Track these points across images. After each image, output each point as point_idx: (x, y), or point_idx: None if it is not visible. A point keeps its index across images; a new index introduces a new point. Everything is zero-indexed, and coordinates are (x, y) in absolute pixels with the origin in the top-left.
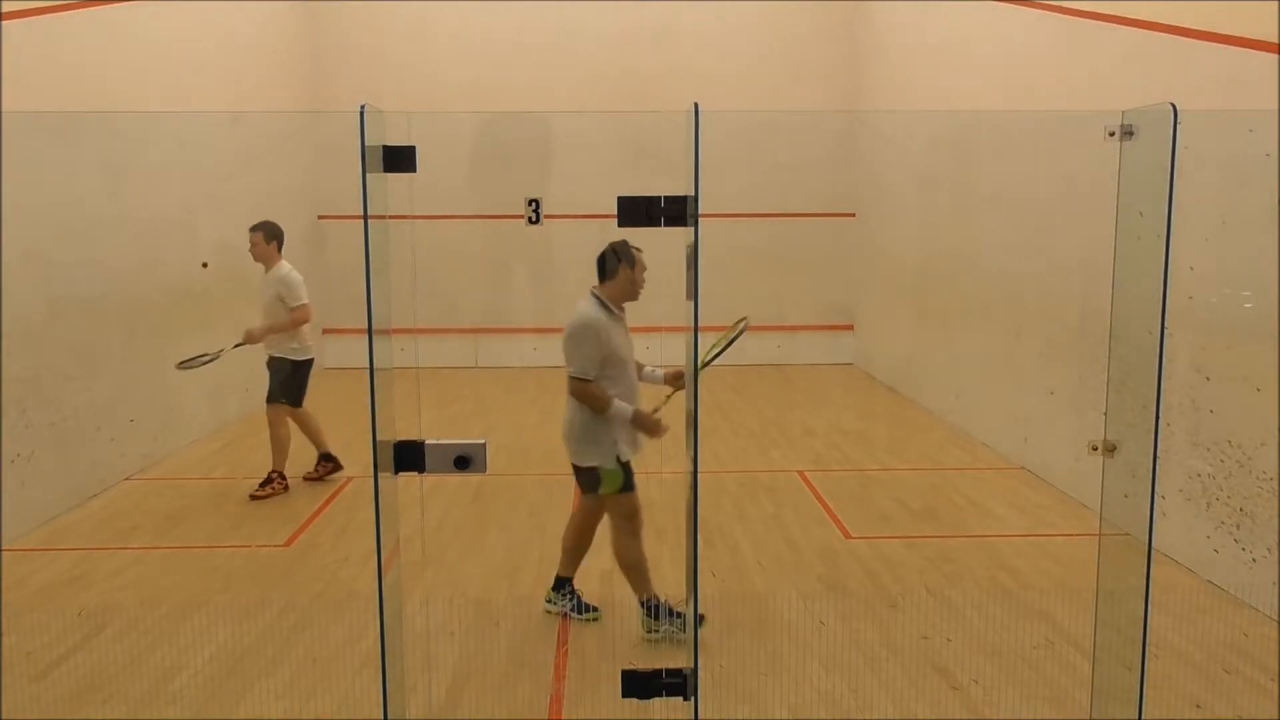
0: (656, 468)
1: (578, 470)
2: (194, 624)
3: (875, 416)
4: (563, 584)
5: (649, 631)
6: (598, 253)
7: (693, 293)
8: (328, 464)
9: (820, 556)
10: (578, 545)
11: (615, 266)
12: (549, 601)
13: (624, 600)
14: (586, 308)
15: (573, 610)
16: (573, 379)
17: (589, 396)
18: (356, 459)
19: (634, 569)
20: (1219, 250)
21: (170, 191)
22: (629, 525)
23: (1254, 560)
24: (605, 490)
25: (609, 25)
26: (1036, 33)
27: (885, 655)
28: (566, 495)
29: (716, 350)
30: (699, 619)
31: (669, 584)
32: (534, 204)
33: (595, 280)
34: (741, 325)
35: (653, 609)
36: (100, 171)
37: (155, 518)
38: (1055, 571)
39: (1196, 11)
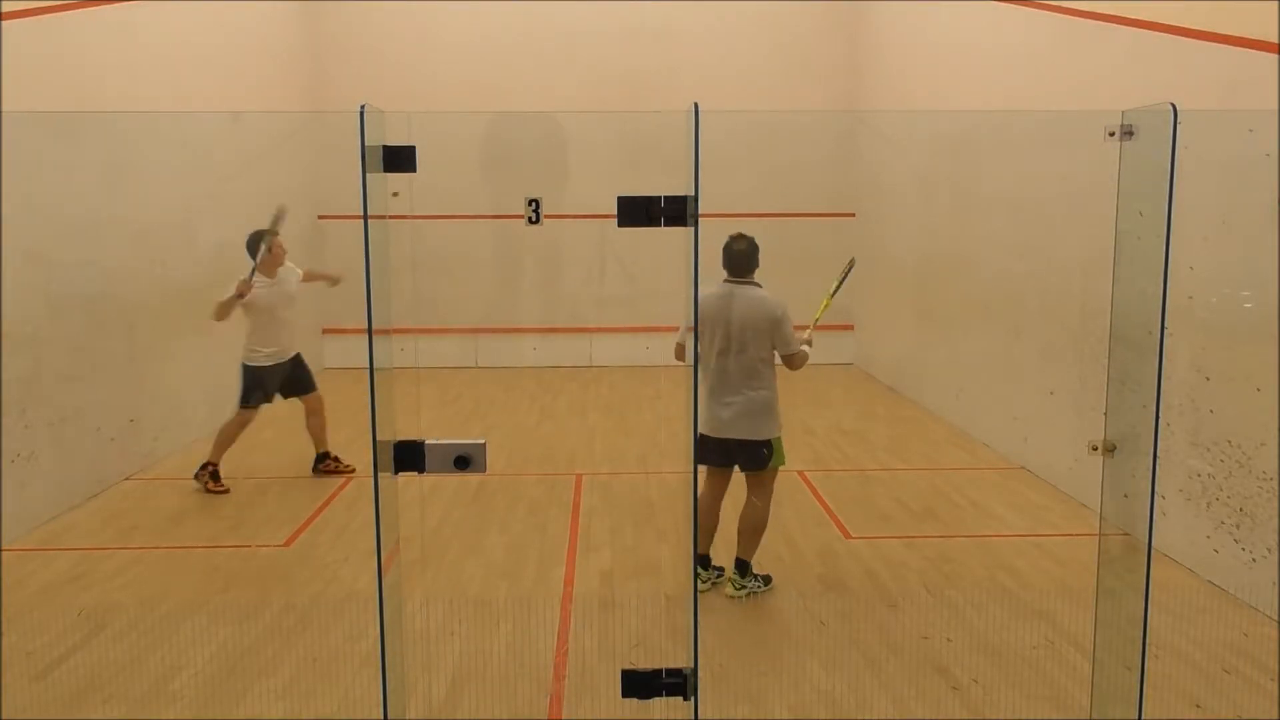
0: (657, 468)
1: (751, 446)
2: (194, 624)
3: (875, 416)
4: (745, 567)
5: (738, 589)
6: (737, 248)
7: (693, 292)
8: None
9: (820, 556)
10: (710, 522)
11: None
12: (739, 588)
13: (624, 600)
14: (768, 292)
15: (761, 585)
16: (797, 353)
17: (804, 360)
18: (356, 459)
19: (761, 533)
20: (1219, 250)
21: (170, 191)
22: (771, 493)
23: (1254, 560)
24: (776, 461)
25: (609, 25)
26: (1036, 33)
27: (885, 655)
28: (566, 495)
29: (833, 289)
30: (768, 579)
31: (669, 583)
32: (534, 204)
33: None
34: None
35: (746, 569)
36: (100, 171)
37: (155, 518)
38: (1055, 571)
39: (1196, 11)
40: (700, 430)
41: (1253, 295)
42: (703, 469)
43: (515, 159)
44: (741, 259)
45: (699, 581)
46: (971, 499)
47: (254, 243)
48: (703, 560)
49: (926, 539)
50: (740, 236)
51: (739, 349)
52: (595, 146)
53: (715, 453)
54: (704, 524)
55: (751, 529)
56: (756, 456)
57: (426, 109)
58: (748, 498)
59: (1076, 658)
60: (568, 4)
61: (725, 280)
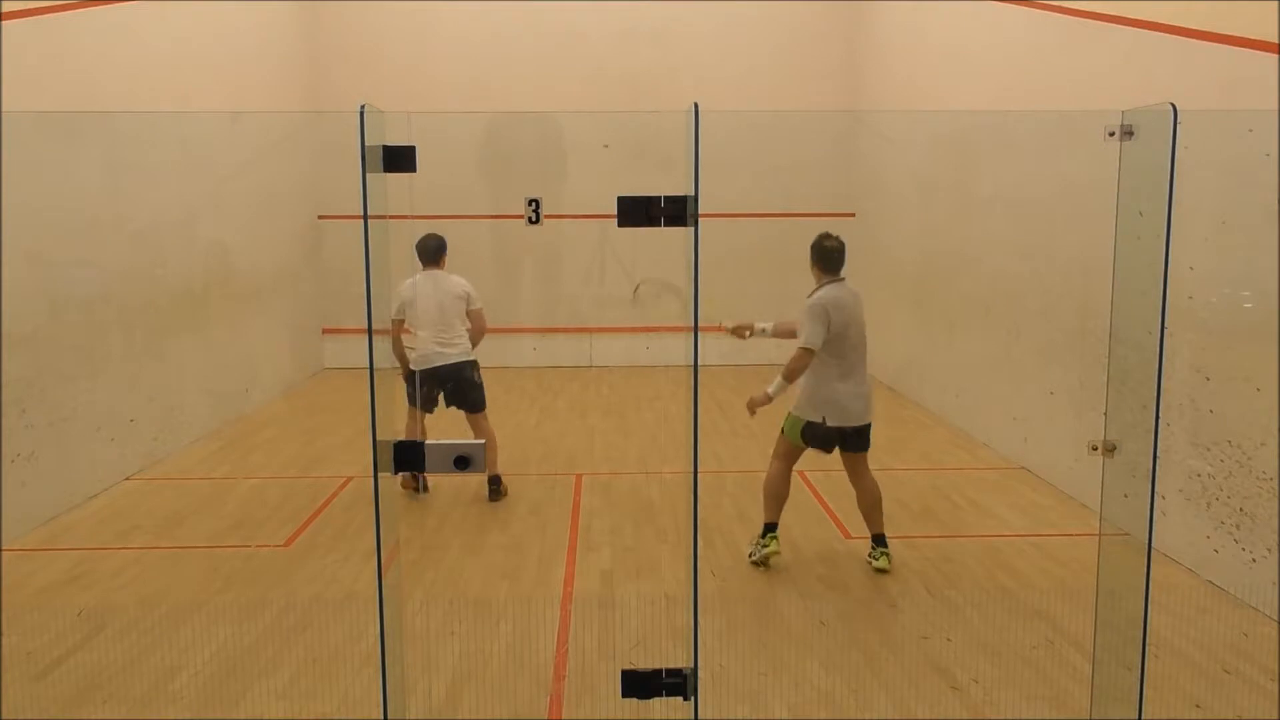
0: (657, 468)
1: (866, 430)
2: (194, 624)
3: (875, 416)
4: (884, 539)
5: (889, 559)
6: (833, 245)
7: (693, 291)
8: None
9: (820, 556)
10: (786, 491)
11: None
12: (764, 548)
13: (624, 600)
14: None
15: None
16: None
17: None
18: (356, 459)
19: (881, 501)
20: (1219, 250)
21: (170, 191)
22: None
23: (1254, 560)
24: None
25: (609, 25)
26: (1036, 33)
27: (885, 655)
28: (567, 495)
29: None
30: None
31: (668, 583)
32: (534, 204)
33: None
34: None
35: (884, 540)
36: (100, 171)
37: (155, 518)
38: (1055, 571)
39: (1196, 11)
40: (826, 418)
41: (1253, 295)
42: (789, 446)
43: (515, 159)
44: (841, 255)
45: (764, 545)
46: (971, 499)
47: (427, 250)
48: (774, 526)
49: (926, 539)
50: (831, 234)
51: (859, 341)
52: (595, 146)
53: (823, 437)
54: (782, 494)
55: (874, 503)
56: (866, 438)
57: (426, 109)
58: (858, 481)
59: (1076, 658)
60: (568, 4)
61: (835, 280)
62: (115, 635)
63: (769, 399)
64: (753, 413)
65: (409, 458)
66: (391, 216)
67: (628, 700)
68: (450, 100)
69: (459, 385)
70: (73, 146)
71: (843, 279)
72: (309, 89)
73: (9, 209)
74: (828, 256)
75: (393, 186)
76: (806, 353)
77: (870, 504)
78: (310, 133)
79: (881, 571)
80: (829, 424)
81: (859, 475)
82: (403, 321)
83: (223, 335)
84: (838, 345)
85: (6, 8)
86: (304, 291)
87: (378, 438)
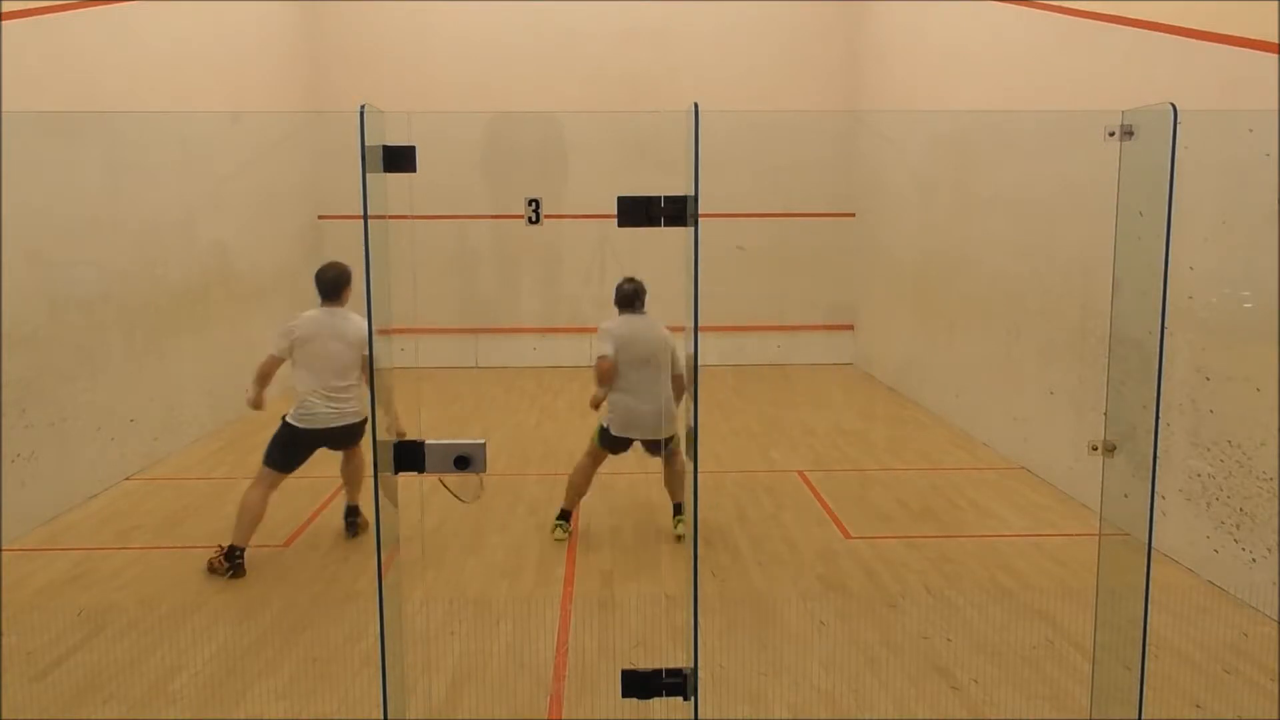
0: (656, 468)
1: (661, 441)
2: (194, 624)
3: (875, 416)
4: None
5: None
6: (631, 288)
7: (693, 290)
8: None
9: (820, 556)
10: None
11: None
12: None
13: (624, 600)
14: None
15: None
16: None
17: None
18: None
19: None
20: (1219, 250)
21: (170, 191)
22: None
23: (1254, 560)
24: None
25: (609, 25)
26: (1036, 33)
27: (885, 655)
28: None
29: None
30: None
31: (669, 583)
32: (534, 204)
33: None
34: None
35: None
36: (100, 171)
37: (155, 518)
38: (1055, 571)
39: (1196, 11)
40: (610, 426)
41: (1253, 295)
42: (594, 448)
43: (515, 159)
44: (633, 296)
45: (555, 529)
46: (971, 499)
47: (325, 281)
48: (567, 515)
49: (926, 539)
50: (630, 279)
51: (641, 364)
52: (595, 146)
53: (612, 442)
54: (581, 488)
55: (679, 478)
56: (661, 445)
57: (426, 109)
58: (668, 469)
59: (1076, 658)
60: (568, 4)
61: (630, 313)
62: (115, 635)
63: (597, 400)
64: (596, 407)
65: (409, 458)
66: (391, 216)
67: (628, 700)
68: (450, 100)
69: (347, 444)
70: (73, 146)
71: (641, 314)
72: (309, 89)
73: (9, 209)
74: (622, 298)
75: (393, 186)
76: (601, 359)
77: (677, 479)
78: (310, 133)
79: (680, 538)
80: (613, 432)
81: (668, 464)
82: (280, 360)
83: (223, 335)
84: (621, 365)
85: (6, 8)
86: (304, 291)
87: (378, 438)
